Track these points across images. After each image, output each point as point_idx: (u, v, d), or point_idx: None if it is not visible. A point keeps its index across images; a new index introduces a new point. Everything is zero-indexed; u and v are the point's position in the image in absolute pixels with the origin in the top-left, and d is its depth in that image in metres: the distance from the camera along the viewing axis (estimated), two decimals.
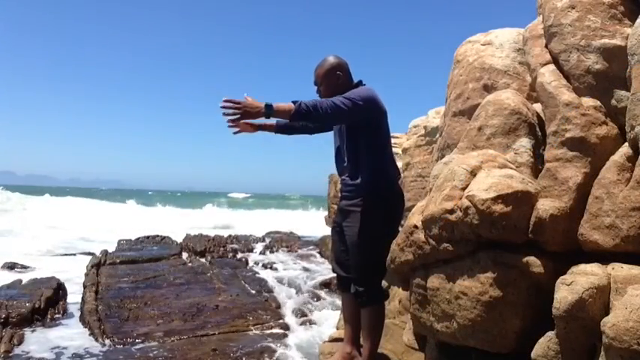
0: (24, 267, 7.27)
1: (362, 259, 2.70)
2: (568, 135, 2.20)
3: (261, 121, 2.77)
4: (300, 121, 2.62)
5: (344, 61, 2.85)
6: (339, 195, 2.98)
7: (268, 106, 2.43)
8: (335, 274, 3.12)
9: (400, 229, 2.73)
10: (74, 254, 9.23)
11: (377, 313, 2.79)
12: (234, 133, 2.78)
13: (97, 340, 4.02)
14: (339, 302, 3.94)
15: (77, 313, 4.79)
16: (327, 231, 7.83)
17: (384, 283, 4.08)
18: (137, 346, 3.88)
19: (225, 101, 2.42)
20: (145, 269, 6.41)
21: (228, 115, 2.44)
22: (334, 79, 2.80)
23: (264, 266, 7.13)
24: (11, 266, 7.20)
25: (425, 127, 3.96)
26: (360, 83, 2.85)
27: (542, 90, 2.39)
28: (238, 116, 2.44)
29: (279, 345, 3.89)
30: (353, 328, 2.97)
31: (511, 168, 2.30)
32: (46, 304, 4.73)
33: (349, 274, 2.82)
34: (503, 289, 2.10)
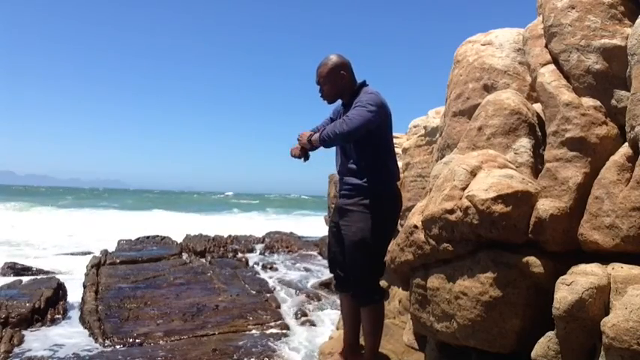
0: (24, 267, 7.27)
1: (360, 259, 2.70)
2: (568, 135, 2.20)
3: None
4: (329, 146, 2.81)
5: (347, 60, 2.83)
6: (338, 194, 2.97)
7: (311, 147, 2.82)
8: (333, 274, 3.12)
9: (400, 228, 2.73)
10: (74, 254, 9.23)
11: (376, 312, 2.79)
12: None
13: (96, 340, 4.02)
14: (339, 302, 3.93)
15: (77, 313, 4.79)
16: (326, 231, 7.82)
17: (384, 283, 4.09)
18: (137, 346, 3.88)
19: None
20: (145, 269, 6.41)
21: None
22: (338, 78, 2.78)
23: (264, 266, 7.14)
24: (11, 266, 7.20)
25: (425, 127, 3.96)
26: (363, 84, 2.84)
27: (542, 90, 2.39)
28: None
29: (279, 345, 3.89)
30: (352, 328, 2.97)
31: (511, 168, 2.30)
32: (46, 304, 4.73)
33: (346, 274, 2.82)
34: (503, 289, 2.10)
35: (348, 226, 2.75)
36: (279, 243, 9.36)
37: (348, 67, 2.81)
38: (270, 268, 7.05)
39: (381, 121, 2.71)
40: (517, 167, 2.33)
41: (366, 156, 2.74)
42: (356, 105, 2.65)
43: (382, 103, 2.71)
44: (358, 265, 2.71)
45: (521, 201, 2.11)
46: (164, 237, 9.56)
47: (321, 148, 2.83)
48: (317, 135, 2.72)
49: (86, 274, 6.02)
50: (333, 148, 3.01)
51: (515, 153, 2.39)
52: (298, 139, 2.89)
